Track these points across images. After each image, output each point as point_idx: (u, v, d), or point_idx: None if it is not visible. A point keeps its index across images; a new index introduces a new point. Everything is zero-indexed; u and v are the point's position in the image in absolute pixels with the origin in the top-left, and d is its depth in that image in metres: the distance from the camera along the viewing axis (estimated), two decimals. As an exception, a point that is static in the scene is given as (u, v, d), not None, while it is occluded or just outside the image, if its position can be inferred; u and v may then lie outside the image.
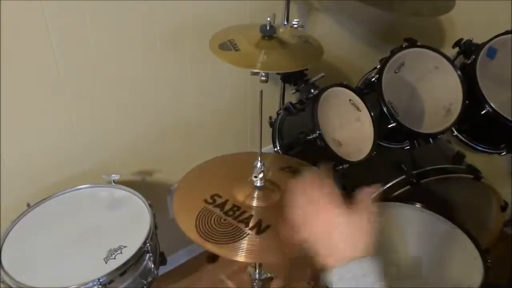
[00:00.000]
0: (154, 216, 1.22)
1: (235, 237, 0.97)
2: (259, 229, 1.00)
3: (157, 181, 1.62)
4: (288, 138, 1.45)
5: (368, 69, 1.51)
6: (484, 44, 1.39)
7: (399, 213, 1.32)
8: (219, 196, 1.07)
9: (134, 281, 1.14)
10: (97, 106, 1.36)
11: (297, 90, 1.51)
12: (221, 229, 0.99)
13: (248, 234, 0.98)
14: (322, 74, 1.48)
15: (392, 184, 1.42)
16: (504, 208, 1.52)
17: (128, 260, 1.09)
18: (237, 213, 1.03)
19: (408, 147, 1.40)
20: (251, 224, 1.01)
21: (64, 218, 1.23)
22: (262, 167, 1.07)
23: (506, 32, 1.39)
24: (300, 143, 1.29)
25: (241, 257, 0.94)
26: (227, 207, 1.04)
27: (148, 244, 1.14)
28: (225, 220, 1.01)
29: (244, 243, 0.96)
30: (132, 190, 1.30)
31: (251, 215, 1.03)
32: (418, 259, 1.17)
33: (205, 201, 1.06)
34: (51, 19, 1.15)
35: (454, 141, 1.56)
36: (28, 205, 1.25)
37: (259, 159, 1.07)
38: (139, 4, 1.29)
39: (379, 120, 1.29)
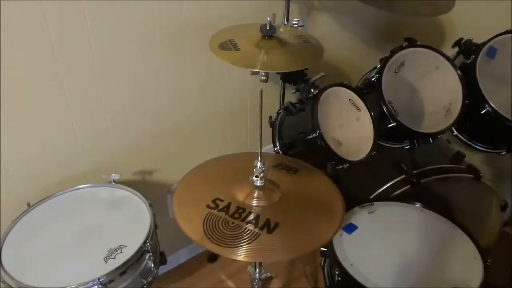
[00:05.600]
0: (154, 215, 1.22)
1: (248, 238, 0.97)
2: (269, 228, 1.00)
3: (157, 181, 1.62)
4: (288, 138, 1.45)
5: (368, 69, 1.51)
6: (484, 43, 1.39)
7: (399, 212, 1.32)
8: (221, 200, 1.07)
9: (134, 280, 1.14)
10: (97, 106, 1.36)
11: (297, 90, 1.51)
12: (231, 233, 0.98)
13: (259, 234, 0.98)
14: (322, 73, 1.48)
15: (392, 184, 1.42)
16: (504, 208, 1.53)
17: (128, 260, 1.09)
18: (243, 214, 1.03)
19: (408, 147, 1.40)
20: (260, 224, 1.01)
21: (64, 218, 1.23)
22: (262, 167, 1.07)
23: (506, 32, 1.39)
24: (300, 143, 1.29)
25: (261, 258, 0.93)
26: (232, 210, 1.04)
27: (148, 244, 1.14)
28: (233, 223, 1.01)
29: (259, 244, 0.96)
30: (132, 190, 1.30)
31: (258, 215, 1.03)
32: (418, 259, 1.17)
33: (208, 206, 1.05)
34: (51, 19, 1.15)
35: (454, 140, 1.56)
36: (28, 205, 1.26)
37: (259, 159, 1.07)
38: (139, 4, 1.29)
39: (379, 120, 1.29)
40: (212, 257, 1.90)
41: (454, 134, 1.50)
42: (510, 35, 1.39)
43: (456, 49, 1.47)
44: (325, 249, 1.21)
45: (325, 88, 1.31)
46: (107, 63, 1.31)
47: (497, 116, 1.33)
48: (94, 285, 1.03)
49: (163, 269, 1.51)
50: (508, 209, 1.55)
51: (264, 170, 1.08)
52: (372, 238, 1.23)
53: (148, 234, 1.16)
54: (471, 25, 1.71)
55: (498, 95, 1.37)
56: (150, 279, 1.19)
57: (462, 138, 1.51)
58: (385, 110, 1.30)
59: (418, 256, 1.18)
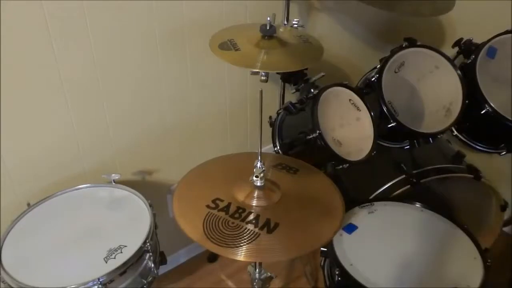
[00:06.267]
0: (154, 215, 1.22)
1: (248, 238, 0.97)
2: (269, 228, 1.00)
3: (157, 181, 1.62)
4: (288, 138, 1.45)
5: (368, 69, 1.51)
6: (484, 43, 1.39)
7: (399, 212, 1.32)
8: (221, 200, 1.07)
9: (134, 280, 1.14)
10: (97, 106, 1.36)
11: (297, 90, 1.51)
12: (231, 233, 0.98)
13: (259, 234, 0.98)
14: (322, 73, 1.48)
15: (392, 184, 1.42)
16: (504, 207, 1.53)
17: (128, 260, 1.09)
18: (243, 214, 1.03)
19: (408, 146, 1.40)
20: (260, 224, 1.01)
21: (64, 218, 1.23)
22: (262, 167, 1.07)
23: (506, 32, 1.39)
24: (300, 143, 1.29)
25: (261, 258, 0.93)
26: (232, 210, 1.04)
27: (148, 244, 1.14)
28: (233, 223, 1.01)
29: (259, 244, 0.96)
30: (132, 190, 1.30)
31: (258, 215, 1.03)
32: (418, 259, 1.17)
33: (208, 206, 1.05)
34: (51, 19, 1.16)
35: (454, 140, 1.56)
36: (28, 205, 1.26)
37: (259, 159, 1.07)
38: (139, 4, 1.29)
39: (379, 120, 1.29)
40: (212, 257, 1.90)
41: (454, 134, 1.50)
42: (510, 35, 1.38)
43: (456, 49, 1.47)
44: (325, 249, 1.21)
45: (325, 88, 1.31)
46: (107, 63, 1.31)
47: (497, 116, 1.33)
48: (94, 285, 1.03)
49: (163, 269, 1.51)
50: (508, 209, 1.55)
51: (264, 170, 1.08)
52: (372, 238, 1.23)
53: (148, 234, 1.16)
54: (471, 25, 1.70)
55: (498, 95, 1.36)
56: (150, 279, 1.19)
57: (462, 138, 1.51)
58: (385, 110, 1.30)
59: (418, 256, 1.18)
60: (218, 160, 1.27)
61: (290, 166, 1.25)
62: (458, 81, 1.36)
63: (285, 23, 1.53)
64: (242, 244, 0.96)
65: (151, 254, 1.16)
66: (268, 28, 1.15)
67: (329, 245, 1.19)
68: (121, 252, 1.11)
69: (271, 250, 0.97)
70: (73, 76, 1.26)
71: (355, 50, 1.98)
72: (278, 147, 1.51)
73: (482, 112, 1.35)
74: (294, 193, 1.14)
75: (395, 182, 1.42)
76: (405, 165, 1.44)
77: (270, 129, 1.56)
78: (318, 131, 1.22)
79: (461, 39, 1.47)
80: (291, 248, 1.01)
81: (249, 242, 0.96)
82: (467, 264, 1.15)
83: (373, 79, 1.38)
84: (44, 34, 1.16)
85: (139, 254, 1.12)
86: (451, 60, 1.39)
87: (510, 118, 1.33)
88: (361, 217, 1.29)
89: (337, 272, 1.14)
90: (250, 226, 1.00)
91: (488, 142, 1.49)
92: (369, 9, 1.66)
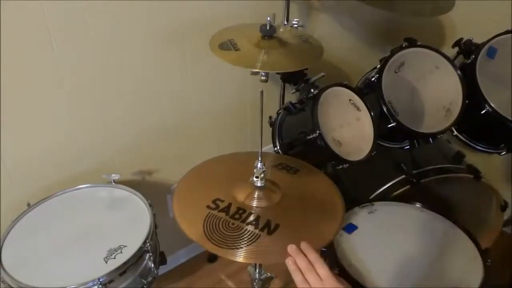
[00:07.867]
0: (154, 215, 1.22)
1: (249, 239, 0.97)
2: (270, 229, 0.99)
3: (157, 181, 1.62)
4: (288, 138, 1.45)
5: (368, 69, 1.51)
6: (484, 43, 1.38)
7: (399, 212, 1.32)
8: (221, 200, 1.07)
9: (134, 280, 1.14)
10: (97, 106, 1.36)
11: (297, 90, 1.51)
12: (232, 234, 0.98)
13: (260, 236, 0.98)
14: (322, 73, 1.48)
15: (392, 184, 1.42)
16: (504, 208, 1.53)
17: (128, 260, 1.09)
18: (244, 215, 1.03)
19: (408, 146, 1.40)
20: (260, 225, 1.00)
21: (64, 218, 1.23)
22: (263, 167, 1.07)
23: (506, 32, 1.39)
24: (300, 143, 1.29)
25: (260, 260, 0.93)
26: (232, 210, 1.04)
27: (148, 244, 1.14)
28: (233, 224, 1.00)
29: (259, 245, 0.96)
30: (132, 190, 1.30)
31: (258, 216, 1.03)
32: (418, 259, 1.17)
33: (208, 207, 1.05)
34: (51, 19, 1.15)
35: (454, 140, 1.56)
36: (28, 205, 1.25)
37: (259, 159, 1.07)
38: (139, 4, 1.29)
39: (379, 120, 1.29)
40: (212, 257, 1.90)
41: (454, 134, 1.50)
42: (510, 35, 1.38)
43: (456, 49, 1.47)
44: (325, 249, 1.21)
45: (325, 88, 1.31)
46: (107, 63, 1.31)
47: (497, 116, 1.33)
48: (94, 285, 1.03)
49: (163, 269, 1.51)
50: (508, 209, 1.55)
51: (264, 171, 1.08)
52: (372, 238, 1.23)
53: (148, 234, 1.16)
54: (471, 25, 1.71)
55: (498, 95, 1.36)
56: (150, 279, 1.19)
57: (462, 138, 1.51)
58: (385, 110, 1.30)
59: (418, 256, 1.18)
60: (218, 160, 1.27)
61: (290, 166, 1.25)
62: (458, 81, 1.36)
63: (285, 23, 1.53)
64: (242, 246, 0.96)
65: (151, 254, 1.16)
66: (268, 28, 1.15)
67: (329, 245, 1.19)
68: (121, 252, 1.11)
69: (271, 251, 0.96)
70: (73, 76, 1.26)
71: (355, 50, 1.98)
72: (278, 147, 1.51)
73: (482, 112, 1.35)
74: (294, 193, 1.14)
75: (395, 182, 1.42)
76: (405, 165, 1.44)
77: (270, 129, 1.56)
78: (318, 131, 1.22)
79: (461, 39, 1.47)
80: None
81: (249, 244, 0.96)
82: (467, 264, 1.15)
83: (373, 79, 1.38)
84: (44, 34, 1.16)
85: (139, 254, 1.12)
86: (451, 60, 1.39)
87: (510, 118, 1.33)
88: (361, 217, 1.29)
89: (336, 272, 1.14)
90: (251, 228, 1.00)
91: (488, 142, 1.49)
92: (369, 9, 1.67)
